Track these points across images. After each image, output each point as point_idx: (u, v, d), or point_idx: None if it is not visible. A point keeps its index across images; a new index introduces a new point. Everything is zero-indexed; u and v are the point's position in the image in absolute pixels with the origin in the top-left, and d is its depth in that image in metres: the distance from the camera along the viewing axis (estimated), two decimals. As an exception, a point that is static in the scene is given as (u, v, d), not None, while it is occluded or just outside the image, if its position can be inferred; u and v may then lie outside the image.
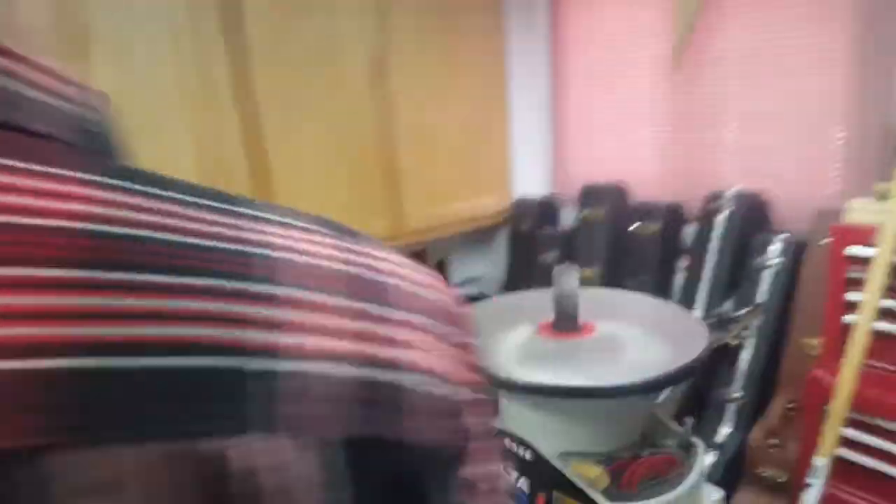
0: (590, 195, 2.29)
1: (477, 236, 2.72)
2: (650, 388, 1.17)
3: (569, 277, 1.27)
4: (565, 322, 1.29)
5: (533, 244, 2.44)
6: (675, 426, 1.27)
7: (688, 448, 1.23)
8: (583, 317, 1.32)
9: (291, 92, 1.95)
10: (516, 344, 1.26)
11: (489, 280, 2.76)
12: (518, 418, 1.22)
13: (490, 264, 2.74)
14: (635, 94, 2.19)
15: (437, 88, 2.26)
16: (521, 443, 1.19)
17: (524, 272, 2.48)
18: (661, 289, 2.07)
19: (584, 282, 2.36)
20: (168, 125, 1.74)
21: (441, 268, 2.63)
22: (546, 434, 1.19)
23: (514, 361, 1.19)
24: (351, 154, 2.09)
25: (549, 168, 2.53)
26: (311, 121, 2.00)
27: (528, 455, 1.18)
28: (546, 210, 2.50)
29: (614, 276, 2.19)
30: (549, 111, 2.47)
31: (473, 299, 2.66)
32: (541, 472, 1.16)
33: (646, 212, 2.12)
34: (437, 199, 2.31)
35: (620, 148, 2.28)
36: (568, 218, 2.45)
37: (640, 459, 1.18)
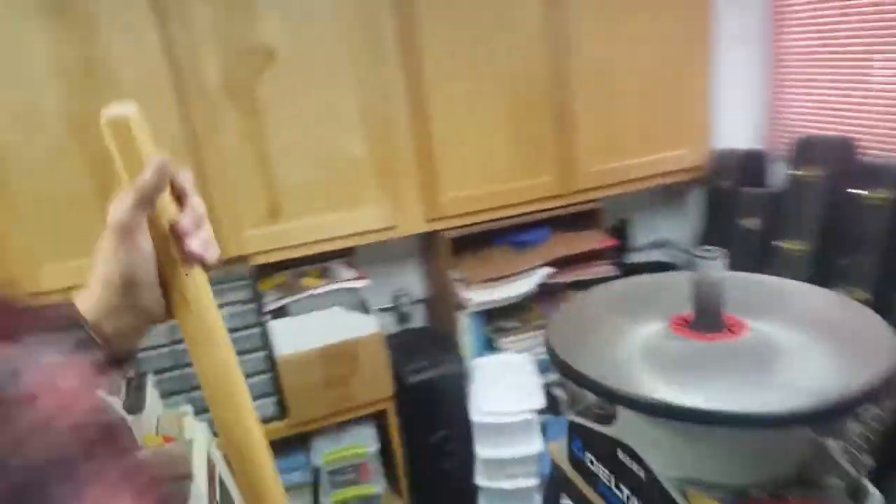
0: (806, 150, 1.88)
1: (666, 194, 2.42)
2: (809, 417, 0.91)
3: (714, 262, 1.03)
4: (706, 318, 1.05)
5: (732, 206, 2.09)
6: (845, 463, 0.99)
7: (858, 496, 0.95)
8: (731, 311, 1.07)
9: (457, 37, 1.85)
10: (643, 342, 1.06)
11: (678, 245, 2.45)
12: (634, 429, 1.04)
13: (680, 227, 2.43)
14: (870, 29, 1.71)
15: (622, 22, 1.99)
16: (635, 457, 1.02)
17: (720, 238, 2.15)
18: (888, 274, 1.64)
19: (789, 256, 1.98)
20: (333, 80, 1.76)
21: (621, 230, 2.39)
22: (665, 453, 1.00)
23: (636, 365, 1.01)
24: (518, 101, 1.95)
25: (758, 116, 2.13)
26: (476, 67, 1.89)
27: (641, 473, 1.01)
28: (751, 166, 2.11)
29: (827, 253, 1.79)
30: (763, 47, 2.06)
31: (660, 267, 2.39)
32: (652, 497, 0.99)
33: (875, 174, 1.67)
34: (617, 151, 2.08)
35: (848, 95, 1.82)
36: (777, 176, 2.05)
37: (785, 502, 0.94)
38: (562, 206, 2.09)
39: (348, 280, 1.90)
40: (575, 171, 2.04)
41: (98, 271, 0.56)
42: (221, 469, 1.43)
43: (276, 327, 1.79)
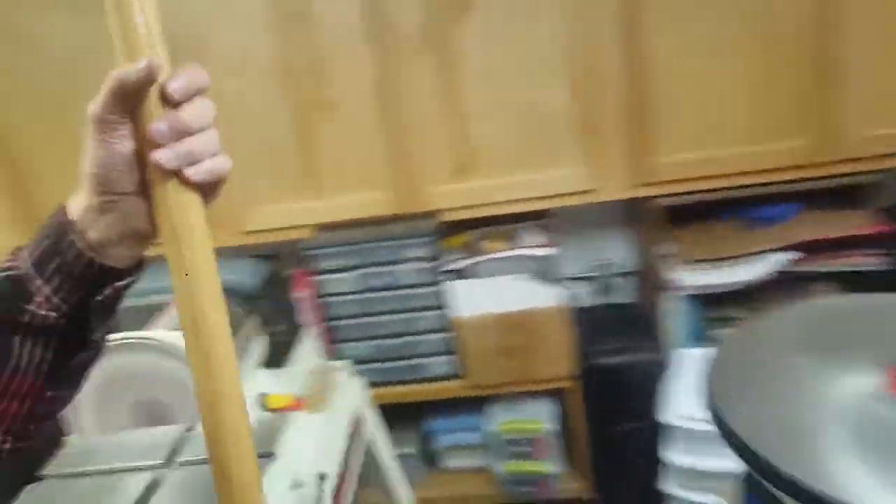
0: None
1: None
2: None
3: None
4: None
5: None
6: None
7: None
8: None
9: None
10: (844, 402, 0.75)
11: None
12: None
13: None
14: None
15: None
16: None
17: None
18: None
19: None
20: (534, 25, 1.57)
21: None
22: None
23: (832, 442, 0.71)
24: (767, 45, 1.55)
25: None
26: (713, 2, 1.53)
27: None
28: None
29: None
30: None
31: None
32: None
33: None
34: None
35: None
36: None
37: None
38: (816, 178, 1.64)
39: (535, 246, 1.74)
40: (839, 136, 1.58)
41: (81, 165, 0.52)
42: (373, 438, 1.44)
43: (455, 288, 1.73)
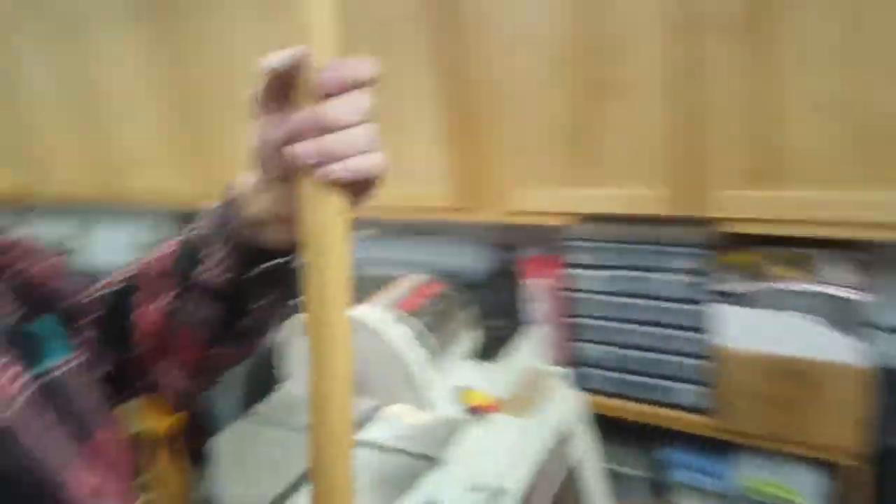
0: None
1: None
2: None
3: None
4: None
5: None
6: None
7: None
8: None
9: None
10: None
11: None
12: None
13: None
14: None
15: None
16: None
17: None
18: None
19: None
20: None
21: None
22: None
23: None
24: None
25: None
26: None
27: None
28: None
29: None
30: None
31: None
32: None
33: None
34: None
35: None
36: None
37: None
38: None
39: (838, 283, 1.40)
40: None
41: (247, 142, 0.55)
42: (582, 459, 1.30)
43: (725, 313, 1.48)
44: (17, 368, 0.53)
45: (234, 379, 1.75)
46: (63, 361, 0.59)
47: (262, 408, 1.04)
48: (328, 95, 0.47)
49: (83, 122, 2.48)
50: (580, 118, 1.56)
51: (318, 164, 0.47)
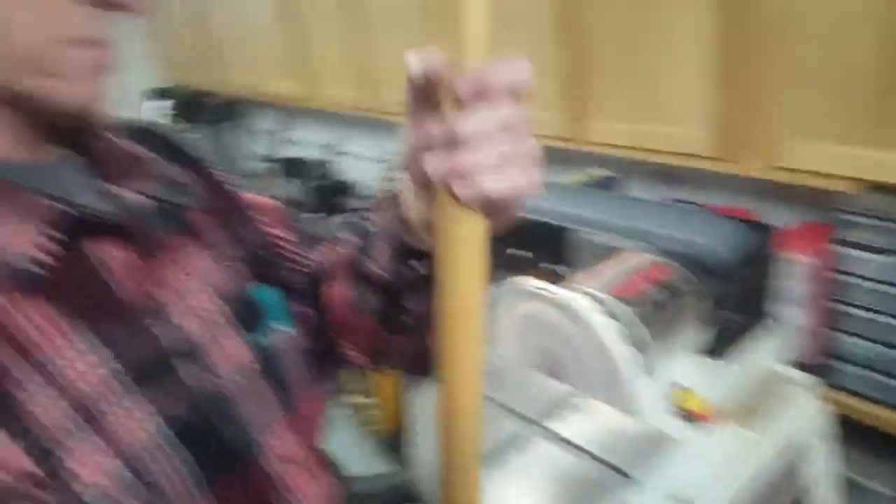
0: None
1: None
2: None
3: None
4: None
5: None
6: None
7: None
8: None
9: None
10: None
11: None
12: None
13: None
14: None
15: None
16: None
17: None
18: None
19: None
20: None
21: None
22: None
23: None
24: None
25: None
26: None
27: None
28: None
29: None
30: None
31: None
32: None
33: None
34: None
35: None
36: None
37: None
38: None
39: None
40: None
41: None
42: (815, 481, 1.11)
43: None
44: (241, 340, 0.58)
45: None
46: (283, 333, 0.64)
47: None
48: (468, 105, 0.42)
49: (351, 35, 2.64)
50: (887, 61, 1.26)
51: (447, 182, 0.44)
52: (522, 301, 0.86)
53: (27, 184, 0.47)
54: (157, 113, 3.72)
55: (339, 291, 0.67)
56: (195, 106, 4.17)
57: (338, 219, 3.00)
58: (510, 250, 1.61)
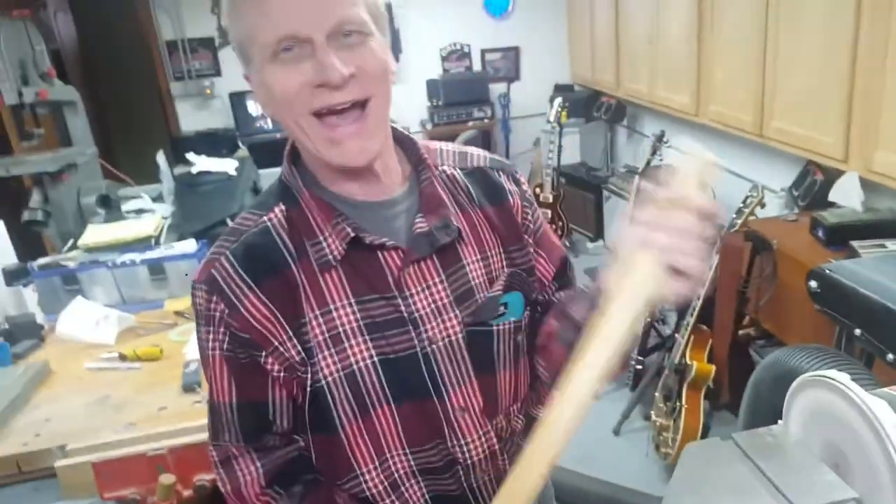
0: None
1: None
2: None
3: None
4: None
5: None
6: None
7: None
8: None
9: None
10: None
11: None
12: None
13: None
14: None
15: None
16: None
17: None
18: None
19: None
20: None
21: None
22: None
23: None
24: None
25: None
26: None
27: None
28: None
29: None
30: None
31: None
32: None
33: None
34: None
35: None
36: None
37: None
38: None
39: None
40: None
41: None
42: None
43: None
44: (457, 322, 0.83)
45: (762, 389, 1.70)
46: (508, 325, 0.87)
47: (746, 436, 0.98)
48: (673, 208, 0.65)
49: (752, 60, 2.53)
50: None
51: (657, 247, 0.65)
52: (820, 389, 0.82)
53: (351, 216, 0.81)
54: (554, 107, 4.08)
55: (549, 321, 0.90)
56: (590, 104, 4.44)
57: None
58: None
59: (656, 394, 2.55)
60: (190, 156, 3.05)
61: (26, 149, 3.14)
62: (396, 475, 0.86)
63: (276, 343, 0.79)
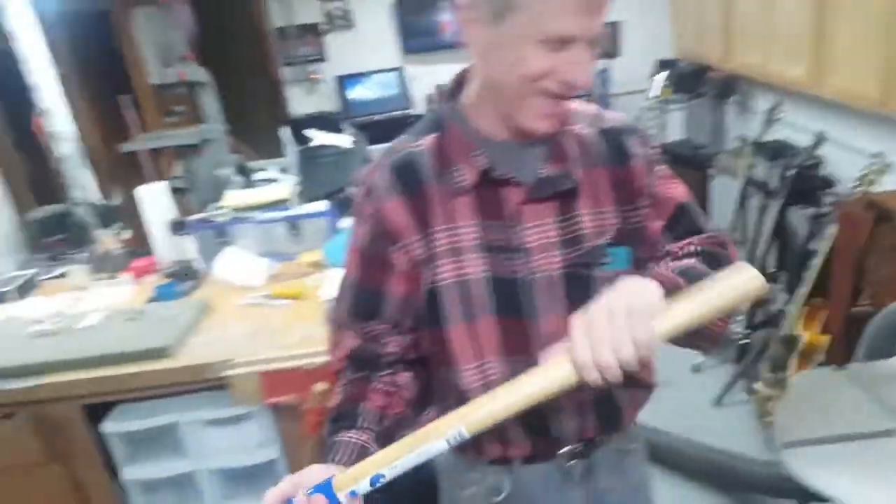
0: None
1: None
2: None
3: None
4: None
5: None
6: None
7: None
8: None
9: None
10: None
11: None
12: None
13: None
14: None
15: None
16: None
17: None
18: None
19: None
20: None
21: None
22: None
23: None
24: None
25: None
26: None
27: None
28: None
29: None
30: None
31: None
32: None
33: None
34: None
35: None
36: None
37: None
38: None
39: None
40: None
41: None
42: None
43: None
44: (560, 259, 0.95)
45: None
46: (610, 273, 0.95)
47: (861, 366, 1.01)
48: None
49: (878, 29, 2.44)
50: None
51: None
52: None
53: (487, 152, 0.93)
54: (657, 83, 4.05)
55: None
56: (696, 78, 4.35)
57: (800, 211, 2.86)
58: None
59: (762, 365, 2.54)
60: (309, 132, 3.28)
61: (168, 125, 3.49)
62: (492, 377, 0.98)
63: (406, 242, 0.94)
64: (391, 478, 0.78)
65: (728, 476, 2.26)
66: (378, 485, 0.78)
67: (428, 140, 0.96)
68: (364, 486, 0.78)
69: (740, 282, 0.75)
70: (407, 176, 0.94)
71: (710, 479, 2.33)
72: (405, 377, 1.02)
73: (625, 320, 0.74)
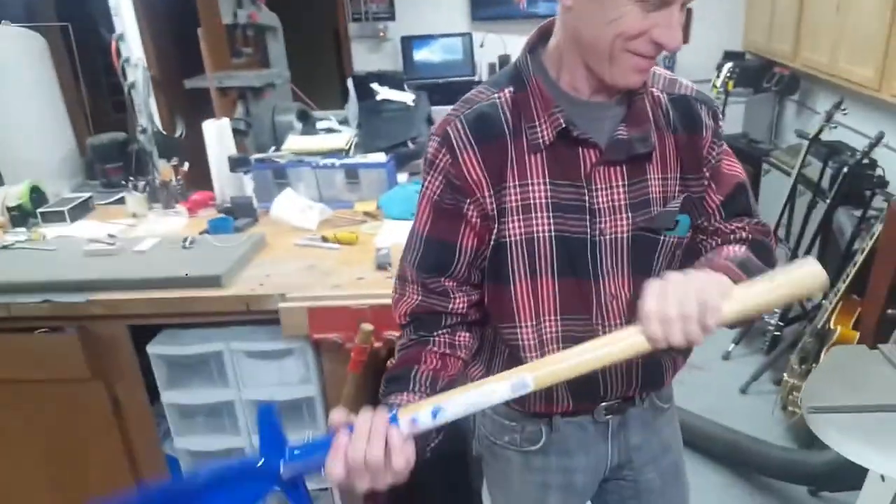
0: None
1: None
2: None
3: None
4: None
5: None
6: None
7: None
8: None
9: None
10: None
11: None
12: None
13: None
14: None
15: None
16: None
17: None
18: None
19: None
20: None
21: None
22: None
23: None
24: None
25: None
26: None
27: None
28: None
29: None
30: None
31: None
32: None
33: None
34: None
35: None
36: None
37: None
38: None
39: None
40: None
41: None
42: None
43: None
44: (628, 222, 0.96)
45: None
46: (674, 238, 0.98)
47: (893, 347, 1.07)
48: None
49: None
50: None
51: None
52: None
53: (566, 110, 0.92)
54: (722, 74, 4.00)
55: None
56: (760, 73, 4.29)
57: (848, 212, 2.83)
58: None
59: (791, 356, 2.57)
60: (374, 85, 3.35)
61: (234, 65, 3.59)
62: (546, 335, 1.00)
63: (479, 195, 0.94)
64: (452, 414, 0.80)
65: (744, 457, 2.32)
66: (438, 417, 0.79)
67: (505, 93, 0.95)
68: (425, 416, 0.79)
69: (805, 277, 0.78)
70: (483, 129, 0.93)
71: (728, 459, 2.39)
72: (465, 337, 1.02)
73: (696, 307, 0.78)
